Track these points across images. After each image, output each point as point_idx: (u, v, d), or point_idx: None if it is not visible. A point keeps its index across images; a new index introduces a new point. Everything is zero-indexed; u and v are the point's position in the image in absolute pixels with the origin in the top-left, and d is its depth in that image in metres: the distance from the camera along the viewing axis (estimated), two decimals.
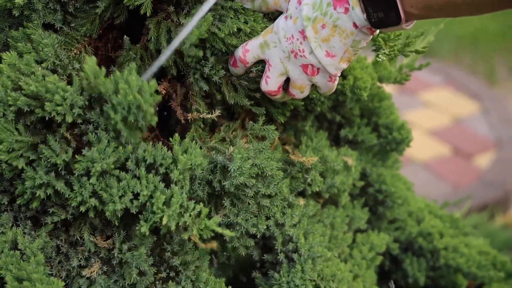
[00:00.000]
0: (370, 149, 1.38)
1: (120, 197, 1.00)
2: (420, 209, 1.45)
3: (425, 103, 3.89)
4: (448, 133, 3.64)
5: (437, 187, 3.28)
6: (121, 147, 1.01)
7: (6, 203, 1.05)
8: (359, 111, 1.35)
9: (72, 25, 1.11)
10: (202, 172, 1.11)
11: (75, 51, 1.11)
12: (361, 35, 1.03)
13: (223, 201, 1.13)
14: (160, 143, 1.05)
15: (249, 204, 1.13)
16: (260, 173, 1.12)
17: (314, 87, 1.12)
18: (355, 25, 1.01)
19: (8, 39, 1.09)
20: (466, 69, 4.25)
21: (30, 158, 1.02)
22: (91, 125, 1.02)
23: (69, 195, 1.00)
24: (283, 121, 1.20)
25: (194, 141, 1.08)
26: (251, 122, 1.18)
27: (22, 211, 1.06)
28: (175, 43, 1.04)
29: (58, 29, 1.10)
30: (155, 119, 0.98)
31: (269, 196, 1.15)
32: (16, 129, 1.01)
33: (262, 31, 1.11)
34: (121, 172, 1.02)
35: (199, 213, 1.02)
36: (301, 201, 1.19)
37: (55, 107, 0.98)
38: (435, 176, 3.34)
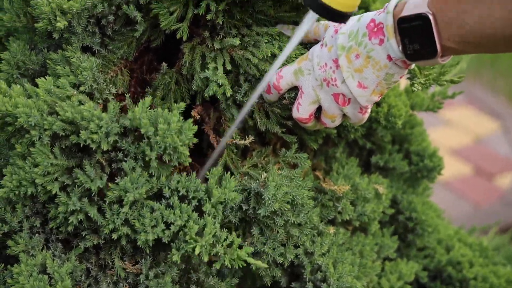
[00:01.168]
0: (401, 176, 1.38)
1: (153, 227, 1.00)
2: (450, 237, 1.45)
3: (447, 121, 3.87)
4: (470, 152, 3.62)
5: (458, 206, 3.25)
6: (154, 178, 1.01)
7: (38, 225, 1.06)
8: (391, 137, 1.35)
9: (110, 47, 1.12)
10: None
11: (111, 73, 1.12)
12: (395, 68, 1.02)
13: (252, 230, 1.12)
14: (194, 174, 1.06)
15: (278, 232, 1.13)
16: (290, 201, 1.11)
17: (345, 117, 1.11)
18: (389, 57, 1.00)
19: (47, 60, 1.09)
20: (487, 87, 4.23)
21: (65, 183, 1.02)
22: (122, 152, 1.02)
23: (101, 223, 1.01)
24: (315, 148, 1.20)
25: (227, 172, 1.08)
26: (283, 149, 1.18)
27: (53, 233, 1.07)
28: (255, 96, 1.07)
29: (96, 51, 1.11)
30: (189, 160, 0.99)
31: (299, 225, 1.15)
32: (52, 152, 1.01)
33: (296, 58, 1.10)
34: (155, 201, 1.02)
35: (231, 242, 1.03)
36: (331, 230, 1.18)
37: (90, 135, 0.99)
38: (456, 195, 3.32)
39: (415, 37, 0.97)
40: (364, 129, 1.25)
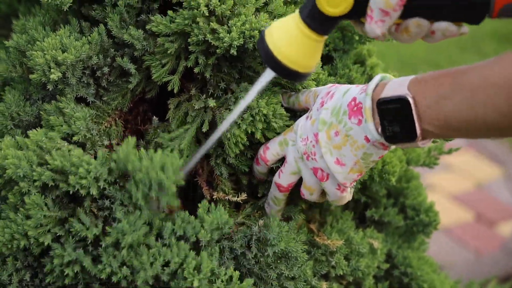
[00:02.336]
0: (396, 230, 1.36)
1: (151, 264, 0.99)
2: None
3: (448, 166, 3.86)
4: (471, 198, 3.60)
5: (459, 253, 3.23)
6: (157, 219, 1.01)
7: (28, 279, 1.05)
8: (386, 191, 1.34)
9: (104, 98, 1.12)
10: (235, 244, 1.10)
11: (105, 124, 1.12)
12: (373, 149, 1.01)
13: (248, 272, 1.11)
14: (187, 213, 1.05)
15: (272, 285, 1.12)
16: (284, 254, 1.10)
17: (324, 193, 1.10)
18: (366, 139, 0.99)
19: (40, 111, 1.10)
20: None
21: (57, 234, 1.01)
22: (109, 200, 1.02)
23: (95, 274, 1.00)
24: (304, 207, 1.19)
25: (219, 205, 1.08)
26: None
27: (44, 286, 1.06)
28: (214, 137, 1.05)
29: (90, 102, 1.11)
30: (177, 202, 0.98)
31: (293, 278, 1.14)
32: (45, 204, 1.01)
33: (283, 128, 1.11)
34: (151, 240, 1.01)
35: (231, 277, 1.01)
36: (324, 285, 1.17)
37: (79, 180, 0.98)
38: (457, 242, 3.29)
39: (395, 119, 0.95)
40: (358, 183, 1.24)
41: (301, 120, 1.07)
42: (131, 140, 0.99)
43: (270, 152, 1.10)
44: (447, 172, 3.84)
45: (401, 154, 1.29)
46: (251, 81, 1.08)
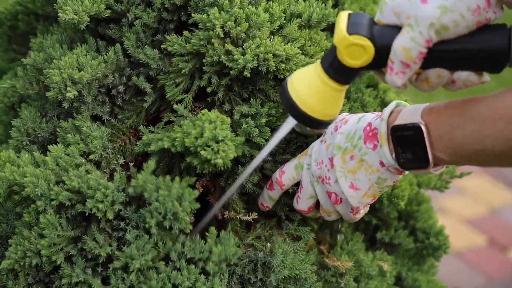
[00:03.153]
0: (406, 252, 1.37)
1: None
2: None
3: (461, 189, 3.85)
4: (484, 223, 3.59)
5: (471, 278, 3.21)
6: (161, 243, 1.01)
7: None
8: (396, 213, 1.34)
9: (119, 117, 1.14)
10: (239, 269, 1.10)
11: (120, 142, 1.13)
12: (388, 173, 1.02)
13: None
14: (198, 236, 1.06)
15: None
16: (294, 275, 1.11)
17: (339, 213, 1.12)
18: (381, 163, 1.01)
19: (57, 129, 1.11)
20: None
21: (70, 253, 1.02)
22: (124, 221, 1.03)
23: None
24: (315, 227, 1.20)
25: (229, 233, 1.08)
26: (287, 221, 1.18)
27: None
28: (237, 184, 1.08)
29: (105, 120, 1.13)
30: (190, 227, 0.99)
31: None
32: (59, 224, 1.02)
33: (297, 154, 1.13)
34: (161, 264, 1.02)
35: None
36: None
37: (96, 204, 1.00)
38: (469, 266, 3.28)
39: (408, 146, 0.97)
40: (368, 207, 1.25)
41: (316, 144, 1.08)
42: (150, 165, 1.00)
43: (286, 176, 1.11)
44: (461, 195, 3.82)
45: (411, 177, 1.30)
46: (262, 104, 1.10)
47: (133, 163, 1.10)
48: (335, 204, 1.07)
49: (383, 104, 1.28)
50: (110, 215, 1.01)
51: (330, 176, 1.05)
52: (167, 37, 1.09)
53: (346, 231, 1.28)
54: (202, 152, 0.98)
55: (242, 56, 1.04)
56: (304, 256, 1.13)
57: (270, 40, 1.07)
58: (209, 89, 1.08)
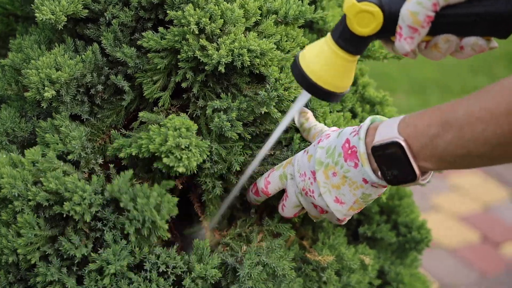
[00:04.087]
0: (389, 246, 1.37)
1: None
2: None
3: (454, 187, 3.86)
4: (477, 219, 3.59)
5: (464, 274, 3.22)
6: (137, 249, 1.02)
7: None
8: (378, 208, 1.35)
9: (99, 116, 1.14)
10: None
11: (99, 141, 1.14)
12: (372, 189, 1.02)
13: None
14: (175, 247, 1.07)
15: None
16: (272, 272, 1.11)
17: None
18: (365, 180, 1.01)
19: (36, 129, 1.12)
20: None
21: (46, 253, 1.03)
22: (101, 222, 1.04)
23: None
24: (297, 221, 1.21)
25: (210, 249, 1.09)
26: (267, 218, 1.19)
27: None
28: (249, 172, 1.11)
29: (85, 120, 1.13)
30: (168, 235, 1.01)
31: None
32: (37, 223, 1.03)
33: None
34: (134, 273, 1.03)
35: None
36: None
37: (74, 206, 1.00)
38: (462, 263, 3.28)
39: (392, 163, 0.97)
40: None
41: (299, 154, 1.09)
42: (127, 174, 1.01)
43: (272, 186, 1.12)
44: (453, 192, 3.83)
45: None
46: (234, 99, 1.10)
47: (113, 164, 1.10)
48: (321, 213, 1.10)
49: (362, 100, 1.29)
50: (88, 218, 1.01)
51: (313, 190, 1.06)
52: (143, 34, 1.09)
53: (327, 226, 1.28)
54: (165, 160, 0.99)
55: (217, 52, 1.05)
56: (283, 253, 1.14)
57: (245, 36, 1.08)
58: (183, 85, 1.09)
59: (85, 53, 1.11)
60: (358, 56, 0.99)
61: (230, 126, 1.08)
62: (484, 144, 0.88)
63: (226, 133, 1.08)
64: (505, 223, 3.60)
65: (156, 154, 1.00)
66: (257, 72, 1.09)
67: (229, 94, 1.10)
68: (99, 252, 1.03)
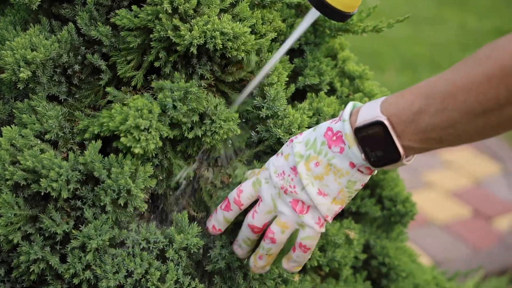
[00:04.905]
0: (374, 221, 1.37)
1: (114, 273, 1.01)
2: (427, 282, 1.43)
3: (446, 163, 3.86)
4: (468, 195, 3.60)
5: (457, 249, 3.23)
6: (116, 227, 1.03)
7: (3, 274, 1.06)
8: None
9: (77, 96, 1.13)
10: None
11: (78, 121, 1.13)
12: (358, 175, 1.01)
13: (214, 279, 1.12)
14: (154, 224, 1.07)
15: (239, 282, 1.13)
16: None
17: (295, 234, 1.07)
18: (352, 164, 1.00)
19: (13, 110, 1.11)
20: None
21: (28, 232, 1.03)
22: (81, 200, 1.04)
23: (61, 271, 1.01)
24: None
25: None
26: None
27: (19, 281, 1.07)
28: (264, 71, 1.10)
29: (62, 100, 1.13)
30: (145, 206, 1.00)
31: (260, 275, 1.14)
32: (16, 203, 1.02)
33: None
34: (117, 248, 1.03)
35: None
36: (296, 277, 1.18)
37: (51, 183, 1.00)
38: (455, 238, 3.29)
39: (376, 144, 0.96)
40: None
41: (272, 158, 1.07)
42: (97, 144, 1.01)
43: (245, 194, 1.08)
44: (445, 169, 3.84)
45: None
46: (188, 80, 1.09)
47: (87, 142, 1.10)
48: (301, 213, 1.04)
49: (343, 74, 1.28)
50: (65, 194, 1.01)
51: (295, 185, 1.03)
52: (117, 12, 1.08)
53: None
54: (123, 139, 0.99)
55: (189, 33, 1.04)
56: None
57: (219, 18, 1.07)
58: (156, 64, 1.08)
59: (60, 33, 1.10)
60: None
61: (172, 106, 1.05)
62: (468, 114, 0.87)
63: (169, 110, 1.05)
64: (497, 197, 3.61)
65: (115, 133, 1.00)
66: (229, 55, 1.08)
67: (182, 73, 1.09)
68: (80, 228, 1.03)
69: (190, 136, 1.07)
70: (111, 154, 1.00)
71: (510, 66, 0.84)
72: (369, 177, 1.03)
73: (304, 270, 1.22)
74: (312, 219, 1.04)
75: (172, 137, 1.07)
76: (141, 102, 1.01)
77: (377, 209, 1.34)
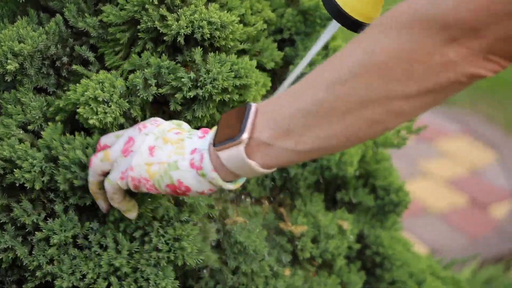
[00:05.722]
0: (368, 210, 1.37)
1: (70, 275, 1.01)
2: (422, 271, 1.43)
3: (442, 152, 3.86)
4: (465, 183, 3.61)
5: (453, 237, 3.23)
6: (79, 224, 1.02)
7: None
8: (355, 172, 1.35)
9: (65, 88, 1.12)
10: None
11: None
12: (189, 169, 0.91)
13: (202, 273, 1.12)
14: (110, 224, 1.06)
15: (227, 278, 1.13)
16: (243, 249, 1.12)
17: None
18: (193, 151, 0.92)
19: (0, 101, 1.10)
20: (483, 117, 4.23)
21: (1, 221, 1.03)
22: (53, 193, 1.03)
23: (26, 263, 1.01)
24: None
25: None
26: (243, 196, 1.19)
27: (8, 275, 1.07)
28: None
29: (51, 92, 1.12)
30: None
31: (252, 271, 1.14)
32: None
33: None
34: (78, 250, 1.03)
35: None
36: (287, 272, 1.17)
37: (24, 174, 0.99)
38: (451, 226, 3.30)
39: (228, 124, 0.89)
40: (315, 176, 1.25)
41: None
42: (58, 126, 1.02)
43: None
44: (441, 157, 3.84)
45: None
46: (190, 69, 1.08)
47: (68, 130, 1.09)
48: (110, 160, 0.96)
49: None
50: (38, 185, 1.01)
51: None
52: (102, 8, 1.07)
53: (304, 192, 1.28)
54: (80, 109, 0.99)
55: (176, 22, 1.03)
56: (257, 233, 1.14)
57: (206, 7, 1.06)
58: (143, 56, 1.07)
59: (48, 25, 1.09)
60: None
61: (142, 85, 1.04)
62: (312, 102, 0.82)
63: (139, 92, 1.04)
64: (493, 185, 3.61)
65: (77, 105, 1.01)
66: (218, 45, 1.07)
67: (147, 53, 1.07)
68: (47, 221, 1.02)
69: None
70: (68, 135, 1.01)
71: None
72: (207, 193, 0.93)
73: (297, 262, 1.21)
74: (116, 171, 0.96)
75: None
76: (103, 76, 1.02)
77: (370, 199, 1.34)
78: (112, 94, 1.01)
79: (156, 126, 0.96)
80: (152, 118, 1.00)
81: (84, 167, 1.00)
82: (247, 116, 0.86)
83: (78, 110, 1.00)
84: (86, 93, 1.00)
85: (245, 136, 0.85)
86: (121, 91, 1.03)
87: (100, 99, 1.00)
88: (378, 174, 1.36)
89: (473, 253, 2.84)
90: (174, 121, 0.99)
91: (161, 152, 0.92)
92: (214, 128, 0.92)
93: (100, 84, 1.01)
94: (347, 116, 0.81)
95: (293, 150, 0.84)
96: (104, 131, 1.03)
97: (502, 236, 3.21)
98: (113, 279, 1.00)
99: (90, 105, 1.00)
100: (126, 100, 1.03)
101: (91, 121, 0.99)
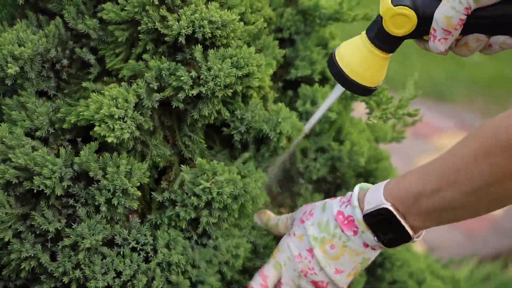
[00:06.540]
0: None
1: (103, 274, 1.01)
2: (421, 270, 1.43)
3: (438, 148, 3.86)
4: None
5: (449, 234, 3.24)
6: (108, 226, 1.02)
7: None
8: (353, 172, 1.35)
9: (66, 91, 1.12)
10: None
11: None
12: (372, 252, 1.07)
13: None
14: (148, 224, 1.07)
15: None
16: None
17: None
18: (365, 245, 1.06)
19: (2, 106, 1.10)
20: (480, 114, 4.23)
21: (18, 230, 1.02)
22: (73, 198, 1.03)
23: (51, 270, 1.00)
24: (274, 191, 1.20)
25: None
26: None
27: (12, 279, 1.07)
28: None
29: (52, 95, 1.11)
30: (137, 202, 1.02)
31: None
32: (8, 201, 1.02)
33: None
34: (107, 247, 1.03)
35: None
36: None
37: (44, 180, 0.99)
38: (449, 224, 3.30)
39: (385, 228, 1.02)
40: (326, 168, 1.25)
41: (285, 239, 1.11)
42: (93, 145, 1.02)
43: (270, 279, 1.11)
44: (438, 154, 3.84)
45: (369, 135, 1.30)
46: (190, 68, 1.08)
47: (80, 138, 1.09)
48: None
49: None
50: (59, 191, 1.01)
51: (313, 267, 1.08)
52: (103, 6, 1.07)
53: (305, 193, 1.28)
54: (96, 128, 1.00)
55: (177, 23, 1.03)
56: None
57: (206, 7, 1.06)
58: (144, 57, 1.07)
59: (47, 28, 1.09)
60: (391, 54, 1.04)
61: (146, 94, 1.05)
62: (460, 193, 0.92)
63: (143, 101, 1.05)
64: None
65: (91, 122, 1.01)
66: (219, 44, 1.07)
67: (141, 62, 1.08)
68: (73, 227, 1.02)
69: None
70: (105, 154, 1.00)
71: (492, 144, 0.88)
72: (380, 250, 1.09)
73: None
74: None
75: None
76: (116, 91, 1.01)
77: None
78: (127, 109, 1.01)
79: (310, 257, 1.08)
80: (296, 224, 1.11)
81: (125, 191, 1.02)
82: (399, 223, 1.00)
83: (95, 129, 1.00)
84: (101, 111, 1.00)
85: (413, 236, 1.02)
86: (134, 104, 1.03)
87: (116, 116, 1.00)
88: (377, 174, 1.36)
89: (470, 250, 2.85)
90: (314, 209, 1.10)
91: (345, 266, 1.08)
92: (367, 229, 1.03)
93: (114, 100, 1.01)
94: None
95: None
96: (120, 145, 1.04)
97: (499, 234, 3.22)
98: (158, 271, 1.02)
99: (107, 122, 1.00)
100: (139, 112, 1.04)
101: (109, 139, 1.00)
